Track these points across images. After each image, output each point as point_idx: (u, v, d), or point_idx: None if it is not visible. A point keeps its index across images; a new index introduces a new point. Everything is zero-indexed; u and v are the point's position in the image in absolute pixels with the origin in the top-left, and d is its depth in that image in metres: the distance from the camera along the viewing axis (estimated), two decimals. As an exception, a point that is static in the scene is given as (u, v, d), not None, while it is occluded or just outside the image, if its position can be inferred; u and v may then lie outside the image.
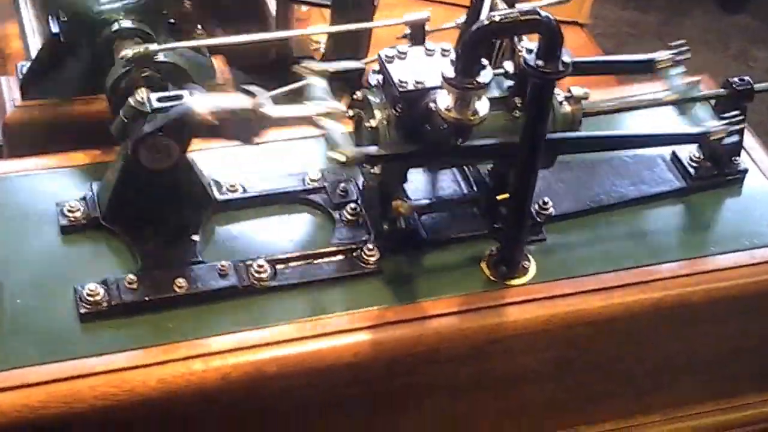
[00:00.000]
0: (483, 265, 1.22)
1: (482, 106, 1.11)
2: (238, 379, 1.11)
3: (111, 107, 1.27)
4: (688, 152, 1.35)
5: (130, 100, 1.16)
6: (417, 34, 1.21)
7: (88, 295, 1.13)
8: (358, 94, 1.18)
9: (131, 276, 1.15)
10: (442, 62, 1.13)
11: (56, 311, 1.14)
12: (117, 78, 1.25)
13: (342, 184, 1.28)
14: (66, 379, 1.08)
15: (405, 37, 1.22)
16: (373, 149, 1.14)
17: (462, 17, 1.31)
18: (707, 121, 1.30)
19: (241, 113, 1.14)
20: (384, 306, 1.18)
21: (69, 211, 1.22)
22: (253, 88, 1.15)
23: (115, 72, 1.26)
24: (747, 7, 2.90)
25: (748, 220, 1.31)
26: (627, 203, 1.31)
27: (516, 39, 1.16)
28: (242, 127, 1.16)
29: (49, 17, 1.37)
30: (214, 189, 1.25)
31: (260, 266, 1.18)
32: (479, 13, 1.21)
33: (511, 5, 1.19)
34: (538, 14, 1.03)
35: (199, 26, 1.56)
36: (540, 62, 1.05)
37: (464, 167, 1.28)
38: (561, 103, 1.20)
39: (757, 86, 1.30)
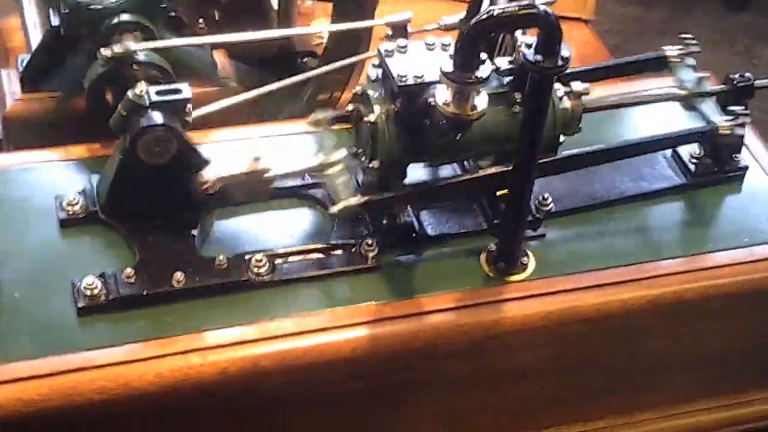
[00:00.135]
0: (482, 261, 1.22)
1: (481, 101, 1.10)
2: (236, 373, 1.11)
3: (88, 105, 1.29)
4: (688, 149, 1.34)
5: (129, 94, 1.16)
6: (399, 35, 1.22)
7: (86, 288, 1.13)
8: (358, 89, 1.17)
9: (129, 270, 1.15)
10: (442, 57, 1.13)
11: (54, 305, 1.14)
12: (97, 77, 1.27)
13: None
14: (63, 372, 1.08)
15: (387, 37, 1.22)
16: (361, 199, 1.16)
17: (448, 17, 1.32)
18: (713, 117, 1.30)
19: (249, 178, 1.15)
20: (382, 301, 1.18)
21: (68, 204, 1.22)
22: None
23: (94, 71, 1.27)
24: (751, 4, 2.90)
25: (749, 217, 1.31)
26: (627, 200, 1.31)
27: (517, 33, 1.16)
28: (252, 189, 1.18)
29: (50, 10, 1.37)
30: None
31: (259, 261, 1.18)
32: (479, 8, 1.21)
33: (510, -1, 1.19)
34: (537, 8, 1.03)
35: (201, 20, 1.56)
36: (539, 57, 1.04)
37: (464, 162, 1.28)
38: (561, 98, 1.19)
39: (757, 83, 1.30)
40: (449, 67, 1.08)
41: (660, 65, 1.32)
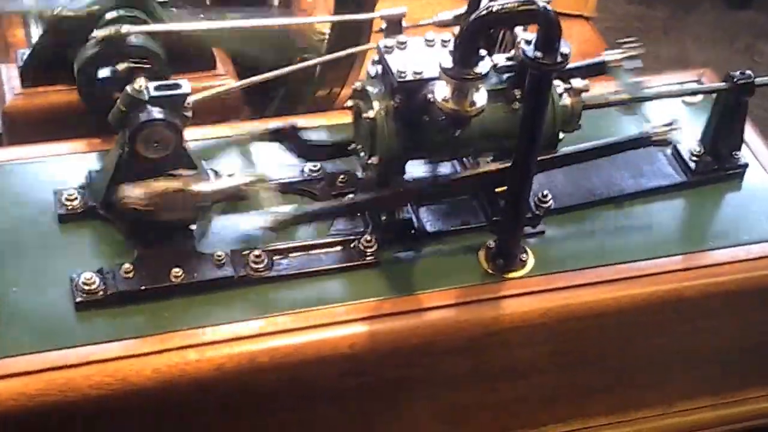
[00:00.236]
0: (481, 257, 1.22)
1: (480, 98, 1.10)
2: (233, 369, 1.11)
3: (78, 88, 1.30)
4: (688, 146, 1.34)
5: (128, 89, 1.16)
6: (393, 28, 1.21)
7: (84, 283, 1.13)
8: (357, 85, 1.17)
9: (127, 265, 1.15)
10: (441, 53, 1.12)
11: (52, 300, 1.14)
12: (87, 58, 1.27)
13: (341, 176, 1.28)
14: (61, 367, 1.08)
15: (381, 31, 1.22)
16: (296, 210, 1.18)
17: (443, 13, 1.32)
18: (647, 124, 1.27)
19: (172, 194, 1.15)
20: (381, 297, 1.17)
21: (67, 199, 1.22)
22: (180, 170, 1.17)
23: (84, 53, 1.26)
24: (753, 2, 2.90)
25: (749, 214, 1.31)
26: (627, 197, 1.31)
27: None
28: (177, 207, 1.17)
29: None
30: (212, 178, 1.25)
31: (257, 257, 1.18)
32: (479, 4, 1.21)
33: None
34: (536, 5, 1.02)
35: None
36: (538, 53, 1.04)
37: (463, 159, 1.28)
38: (561, 95, 1.19)
39: (757, 80, 1.30)
40: (448, 63, 1.07)
41: (600, 70, 1.30)
